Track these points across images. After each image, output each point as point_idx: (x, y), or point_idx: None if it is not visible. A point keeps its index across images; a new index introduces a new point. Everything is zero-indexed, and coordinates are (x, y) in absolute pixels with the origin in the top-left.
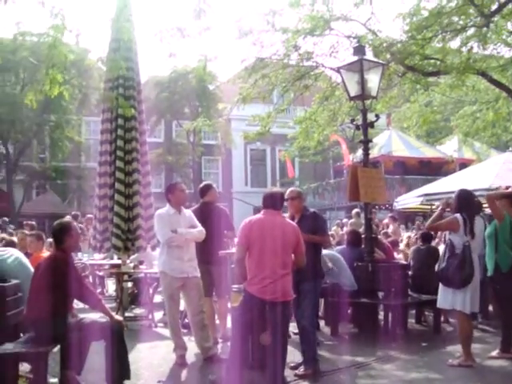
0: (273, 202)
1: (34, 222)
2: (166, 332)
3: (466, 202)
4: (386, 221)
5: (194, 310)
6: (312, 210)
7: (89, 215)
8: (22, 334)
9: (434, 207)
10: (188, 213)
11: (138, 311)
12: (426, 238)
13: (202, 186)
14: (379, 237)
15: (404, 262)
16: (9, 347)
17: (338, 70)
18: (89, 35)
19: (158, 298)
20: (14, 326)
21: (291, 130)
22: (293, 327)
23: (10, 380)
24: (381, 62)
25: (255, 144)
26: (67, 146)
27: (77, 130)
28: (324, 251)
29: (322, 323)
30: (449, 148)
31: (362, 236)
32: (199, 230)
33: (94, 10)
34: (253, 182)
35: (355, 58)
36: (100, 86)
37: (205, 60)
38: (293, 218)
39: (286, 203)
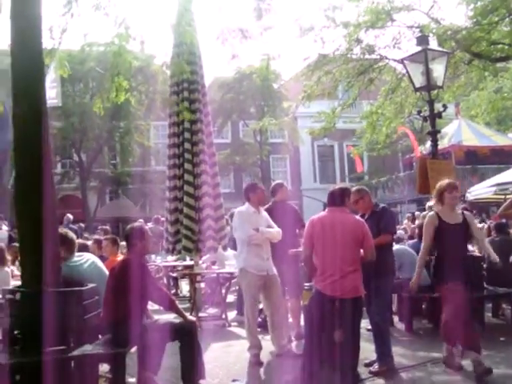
0: (333, 199)
1: (108, 227)
2: (240, 331)
3: None
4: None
5: (274, 307)
6: (382, 205)
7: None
8: (100, 336)
9: (508, 196)
10: (265, 213)
11: (211, 311)
12: (501, 228)
13: (273, 185)
14: None
15: (479, 254)
16: (88, 349)
17: (401, 62)
18: (153, 41)
19: (230, 298)
20: (92, 328)
21: (358, 125)
22: (366, 324)
23: (91, 380)
24: (445, 50)
25: (322, 140)
26: (137, 151)
27: (145, 135)
28: (396, 246)
29: (395, 319)
30: None
31: None
32: (278, 231)
33: (156, 17)
34: (321, 179)
35: (419, 49)
36: (166, 90)
37: (268, 59)
38: (364, 214)
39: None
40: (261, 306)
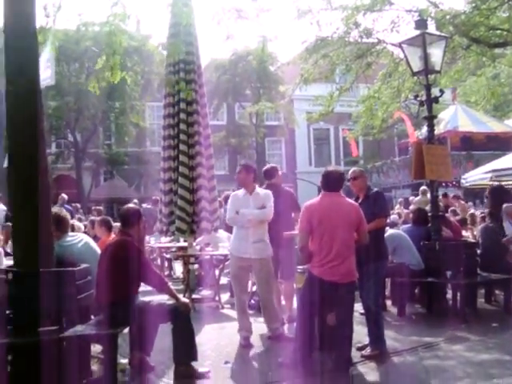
0: (329, 183)
1: (102, 207)
2: (233, 313)
3: None
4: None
5: (261, 290)
6: (375, 189)
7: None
8: (92, 317)
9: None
10: (263, 193)
11: (204, 293)
12: (495, 215)
13: (267, 168)
14: (447, 215)
15: (472, 241)
16: (80, 329)
17: (399, 46)
18: (149, 21)
19: (224, 280)
20: (85, 308)
21: (355, 109)
22: (359, 307)
23: (83, 360)
24: (444, 35)
25: (318, 123)
26: (132, 131)
27: (141, 116)
28: (390, 230)
29: (388, 303)
30: None
31: (429, 214)
32: (262, 211)
33: None
34: (317, 162)
35: (417, 32)
36: (161, 70)
37: (264, 41)
38: (357, 198)
39: (348, 183)
40: (254, 288)
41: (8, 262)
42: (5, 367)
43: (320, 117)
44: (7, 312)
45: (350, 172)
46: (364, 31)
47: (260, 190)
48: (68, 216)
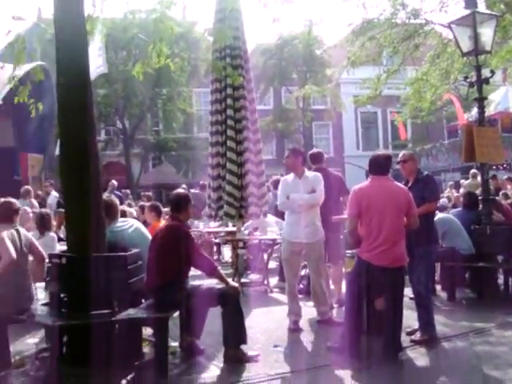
0: (377, 167)
1: (151, 193)
2: (282, 297)
3: None
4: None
5: (312, 274)
6: (426, 173)
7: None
8: (143, 300)
9: None
10: (312, 176)
11: (253, 277)
12: None
13: (314, 152)
14: (498, 198)
15: None
16: (132, 312)
17: (448, 26)
18: (195, 8)
19: (272, 264)
20: (136, 292)
21: (402, 91)
22: (409, 292)
23: (134, 343)
24: (494, 13)
25: (366, 107)
26: (179, 117)
27: (188, 102)
28: (440, 214)
29: (438, 288)
30: None
31: (479, 198)
32: (312, 195)
33: None
34: (364, 146)
35: (467, 12)
36: (208, 56)
37: (310, 25)
38: (407, 182)
39: (398, 166)
40: (303, 272)
41: (61, 247)
42: (60, 348)
43: (367, 100)
44: (61, 295)
45: (399, 155)
46: (411, 12)
47: (309, 174)
48: (117, 202)
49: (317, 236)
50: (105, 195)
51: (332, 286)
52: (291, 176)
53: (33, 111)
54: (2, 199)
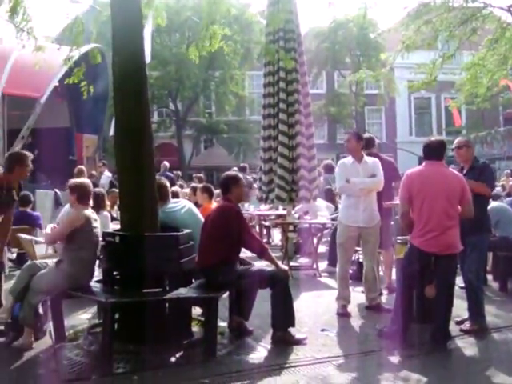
0: (431, 152)
1: (202, 175)
2: (330, 282)
3: None
4: None
5: (367, 259)
6: (482, 160)
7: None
8: (194, 280)
9: None
10: (371, 161)
11: (302, 261)
12: None
13: (366, 137)
14: None
15: None
16: (182, 292)
17: (508, 9)
18: None
19: (322, 249)
20: (187, 272)
21: (457, 77)
22: (460, 281)
23: (184, 322)
24: None
25: (419, 92)
26: (232, 100)
27: (240, 85)
28: (493, 203)
29: (489, 278)
30: None
31: None
32: (373, 180)
33: None
34: (417, 132)
35: None
36: (261, 39)
37: (365, 8)
38: (462, 169)
39: (452, 152)
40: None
41: (114, 226)
42: (112, 324)
43: (422, 85)
44: (114, 273)
45: (455, 141)
46: None
47: (368, 159)
48: (167, 184)
49: (374, 220)
50: (156, 176)
51: (381, 272)
52: (350, 160)
53: (85, 93)
54: (79, 180)
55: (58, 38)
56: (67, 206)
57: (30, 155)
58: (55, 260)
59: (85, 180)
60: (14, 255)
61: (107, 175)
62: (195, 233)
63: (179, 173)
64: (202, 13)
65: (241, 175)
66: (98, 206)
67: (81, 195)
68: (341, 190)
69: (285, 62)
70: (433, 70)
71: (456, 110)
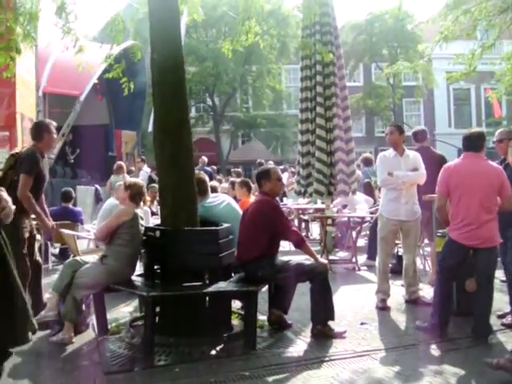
0: (471, 144)
1: (240, 169)
2: (370, 275)
3: None
4: None
5: (407, 253)
6: None
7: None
8: (233, 274)
9: None
10: (412, 155)
11: (341, 255)
12: None
13: (418, 130)
14: None
15: None
16: (222, 285)
17: None
18: None
19: (361, 242)
20: (227, 266)
21: (498, 67)
22: (501, 274)
23: (224, 315)
24: None
25: (458, 83)
26: (269, 94)
27: (277, 79)
28: None
29: None
30: None
31: None
32: (417, 173)
33: None
34: (456, 123)
35: None
36: (297, 33)
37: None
38: (503, 161)
39: (493, 144)
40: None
41: (154, 221)
42: (153, 317)
43: (461, 76)
44: (155, 267)
45: (496, 133)
46: None
47: (409, 152)
48: (206, 178)
49: (416, 214)
50: (195, 171)
51: (425, 266)
52: (391, 153)
53: (125, 89)
54: (134, 180)
55: (96, 36)
56: (108, 201)
57: (53, 123)
58: (98, 255)
59: (139, 181)
60: (57, 250)
61: (145, 171)
62: (234, 227)
63: (215, 167)
64: (237, 8)
65: (277, 168)
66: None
67: (134, 194)
68: (383, 183)
69: (323, 56)
70: (472, 60)
71: (496, 100)
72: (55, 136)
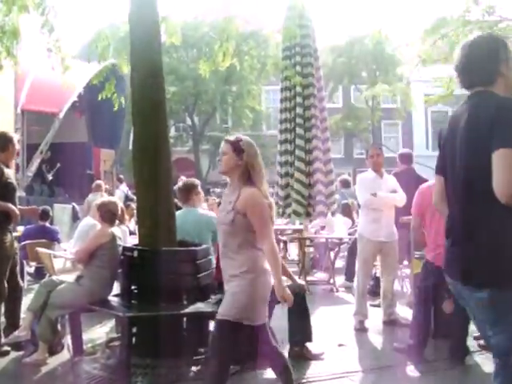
0: None
1: (219, 189)
2: (348, 297)
3: None
4: None
5: (386, 274)
6: None
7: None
8: (212, 296)
9: None
10: (390, 177)
11: (319, 275)
12: None
13: (405, 152)
14: None
15: None
16: (200, 306)
17: None
18: (264, 5)
19: (339, 264)
20: (205, 287)
21: None
22: None
23: (202, 336)
24: None
25: (437, 106)
26: (249, 115)
27: (257, 99)
28: None
29: None
30: None
31: None
32: (400, 195)
33: None
34: (434, 146)
35: None
36: (278, 55)
37: (380, 23)
38: None
39: None
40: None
41: (132, 240)
42: (130, 338)
43: (439, 99)
44: (132, 287)
45: None
46: (486, 9)
47: (386, 175)
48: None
49: (395, 235)
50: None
51: (403, 288)
52: (371, 174)
53: (116, 105)
54: (108, 199)
55: (77, 54)
56: (85, 221)
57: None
58: (74, 275)
59: (112, 200)
60: (33, 269)
61: (122, 189)
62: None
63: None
64: (219, 29)
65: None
66: (119, 220)
67: (104, 214)
68: (366, 203)
69: (295, 79)
70: (449, 83)
71: None
72: (18, 147)
